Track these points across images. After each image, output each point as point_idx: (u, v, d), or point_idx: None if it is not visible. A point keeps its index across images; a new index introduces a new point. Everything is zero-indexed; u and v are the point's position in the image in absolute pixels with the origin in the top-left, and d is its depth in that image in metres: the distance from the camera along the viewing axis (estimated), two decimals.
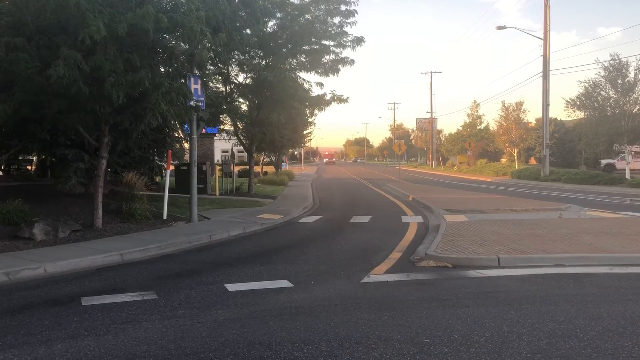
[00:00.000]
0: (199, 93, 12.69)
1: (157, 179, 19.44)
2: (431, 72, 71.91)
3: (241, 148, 26.91)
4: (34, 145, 15.17)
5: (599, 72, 32.36)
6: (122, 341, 4.79)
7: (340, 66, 20.21)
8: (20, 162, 21.39)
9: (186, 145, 20.63)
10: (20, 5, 9.57)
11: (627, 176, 29.78)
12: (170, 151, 15.65)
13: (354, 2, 19.17)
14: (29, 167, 22.92)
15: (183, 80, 11.67)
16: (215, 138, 28.74)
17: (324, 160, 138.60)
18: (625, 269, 7.72)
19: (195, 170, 13.78)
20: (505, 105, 49.65)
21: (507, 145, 50.66)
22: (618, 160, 39.05)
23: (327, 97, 21.39)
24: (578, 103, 33.89)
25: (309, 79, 28.72)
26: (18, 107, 9.93)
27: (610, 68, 31.54)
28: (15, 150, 15.11)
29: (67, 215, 12.04)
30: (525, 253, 8.52)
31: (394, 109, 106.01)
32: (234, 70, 20.82)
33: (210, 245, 10.63)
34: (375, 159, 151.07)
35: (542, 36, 34.93)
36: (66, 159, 13.77)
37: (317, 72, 20.56)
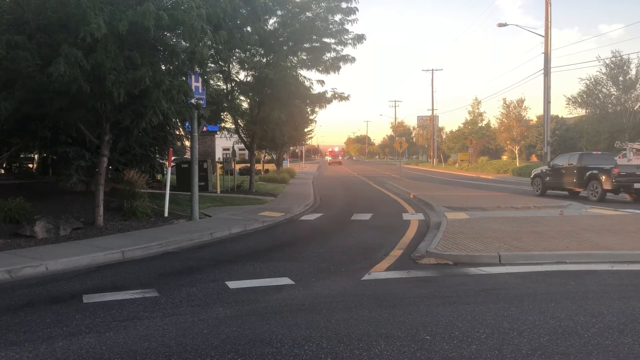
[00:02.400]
0: (200, 91, 12.69)
1: (159, 176, 19.45)
2: (432, 70, 71.97)
3: (242, 146, 26.90)
4: (35, 143, 15.19)
5: (601, 70, 32.26)
6: (124, 338, 4.80)
7: (341, 64, 20.20)
8: (21, 160, 21.43)
9: (187, 143, 20.64)
10: (21, 3, 9.58)
11: None
12: (171, 149, 15.66)
13: (354, 0, 19.16)
14: (31, 165, 22.97)
15: (184, 78, 11.66)
16: (216, 136, 28.72)
17: (327, 159, 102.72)
18: (627, 266, 7.71)
19: (196, 168, 13.79)
20: (507, 103, 49.71)
21: (508, 142, 50.67)
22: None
23: (328, 95, 21.42)
24: (579, 100, 33.85)
25: (310, 76, 28.86)
26: (19, 105, 9.93)
27: (612, 65, 31.47)
28: (16, 148, 15.13)
29: (68, 213, 12.05)
30: (526, 250, 8.52)
31: (395, 106, 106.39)
32: (234, 68, 20.84)
33: (211, 243, 10.64)
34: (377, 157, 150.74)
35: (543, 33, 34.87)
36: (67, 156, 13.78)
37: (318, 70, 20.56)
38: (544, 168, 23.00)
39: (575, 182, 20.50)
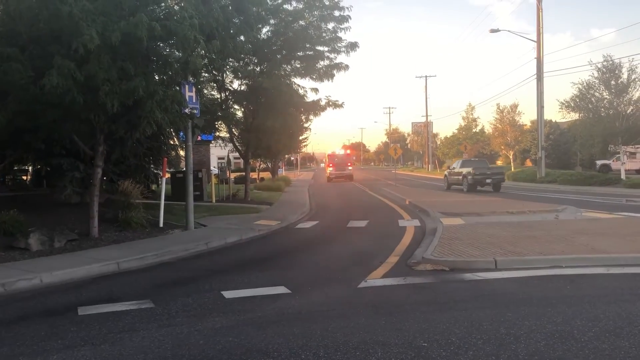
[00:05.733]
0: (194, 100, 12.69)
1: (153, 187, 19.38)
2: (426, 76, 72.21)
3: (237, 154, 26.90)
4: (29, 155, 15.14)
5: (593, 74, 32.35)
6: (119, 350, 4.77)
7: (334, 71, 20.23)
8: (15, 172, 21.32)
9: (182, 153, 20.61)
10: (13, 15, 9.56)
11: (623, 177, 29.84)
12: (165, 159, 15.62)
13: (347, 8, 19.24)
14: (24, 177, 22.88)
15: (177, 88, 11.66)
16: (211, 145, 28.69)
17: (325, 167, 62.40)
18: (622, 270, 7.73)
19: (191, 177, 13.75)
20: (500, 108, 49.87)
21: (502, 147, 50.81)
22: (613, 161, 39.12)
23: (322, 103, 21.45)
24: (572, 104, 33.89)
25: (304, 84, 28.48)
26: (12, 117, 9.91)
27: (604, 69, 31.56)
28: (10, 160, 15.06)
29: (63, 225, 11.99)
30: (522, 255, 8.53)
31: (390, 113, 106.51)
32: (228, 77, 20.83)
33: (207, 253, 10.60)
34: (372, 163, 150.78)
35: (535, 39, 35.11)
36: (61, 168, 13.73)
37: (311, 78, 20.58)
38: (448, 170, 32.93)
39: (458, 179, 29.60)
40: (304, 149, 72.99)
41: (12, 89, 9.63)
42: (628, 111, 31.26)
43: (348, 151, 55.80)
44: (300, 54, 19.99)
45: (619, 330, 4.94)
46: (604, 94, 32.23)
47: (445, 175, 32.79)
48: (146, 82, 10.04)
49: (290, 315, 5.77)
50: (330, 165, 48.58)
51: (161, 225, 13.24)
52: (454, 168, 31.48)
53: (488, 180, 27.87)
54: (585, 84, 32.75)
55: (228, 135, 24.10)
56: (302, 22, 19.31)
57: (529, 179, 36.70)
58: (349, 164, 49.03)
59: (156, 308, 6.24)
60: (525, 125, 53.19)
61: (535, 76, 35.12)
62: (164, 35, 9.78)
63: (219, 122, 21.91)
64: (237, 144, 24.03)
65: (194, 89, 12.71)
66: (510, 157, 49.84)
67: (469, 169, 28.40)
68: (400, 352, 4.52)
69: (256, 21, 16.25)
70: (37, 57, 9.67)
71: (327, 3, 19.27)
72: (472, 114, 64.50)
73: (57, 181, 14.04)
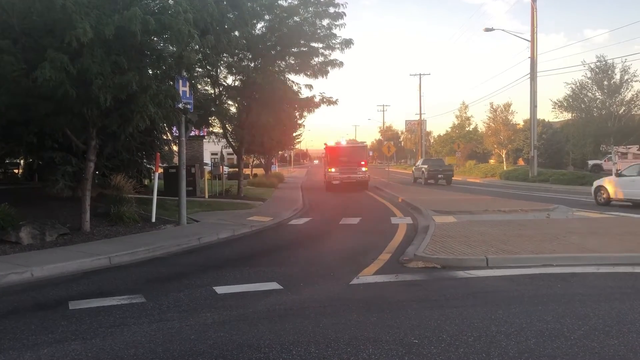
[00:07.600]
0: (188, 95, 12.63)
1: (146, 181, 19.33)
2: (420, 74, 71.97)
3: (231, 150, 26.83)
4: (20, 149, 15.05)
5: (586, 74, 32.54)
6: (110, 345, 4.76)
7: (329, 68, 20.27)
8: (6, 166, 21.20)
9: (175, 148, 20.54)
10: (6, 7, 9.48)
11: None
12: (158, 154, 15.57)
13: (342, 5, 19.25)
14: (16, 171, 22.75)
15: (171, 83, 11.62)
16: (204, 140, 28.60)
17: (322, 165, 41.20)
18: (612, 269, 7.79)
19: (184, 172, 13.71)
20: (494, 107, 50.08)
21: (495, 146, 51.04)
22: (605, 161, 39.40)
23: (317, 99, 21.48)
24: (565, 104, 34.11)
25: (298, 81, 28.75)
26: (4, 110, 9.84)
27: (597, 70, 31.76)
28: (1, 154, 14.98)
29: (54, 219, 11.91)
30: (514, 253, 8.57)
31: (384, 110, 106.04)
32: (222, 72, 20.77)
33: (199, 248, 10.59)
34: None
35: (529, 38, 35.22)
36: (53, 162, 13.66)
37: (306, 74, 20.59)
38: (415, 167, 41.26)
39: (420, 174, 36.67)
40: (297, 146, 72.92)
41: (4, 82, 9.55)
42: (620, 111, 31.50)
43: (365, 142, 35.24)
44: (294, 50, 19.98)
45: (609, 328, 4.98)
46: (597, 94, 32.46)
47: (413, 171, 41.29)
48: (140, 76, 9.99)
49: (282, 311, 5.77)
50: (332, 164, 30.40)
51: (153, 220, 13.19)
52: (418, 165, 39.88)
53: (440, 175, 34.89)
54: (578, 84, 32.99)
55: (222, 130, 24.04)
56: (296, 18, 19.30)
57: (521, 177, 36.88)
58: (363, 165, 30.50)
59: (147, 303, 6.23)
60: (518, 124, 53.50)
61: (529, 75, 35.25)
62: (158, 29, 9.73)
63: (213, 118, 21.85)
64: (230, 140, 23.97)
65: (187, 84, 12.65)
66: (503, 156, 50.02)
67: (426, 166, 36.06)
68: (391, 348, 4.53)
69: (251, 16, 16.20)
70: (29, 50, 9.60)
71: None
72: (465, 113, 64.78)
73: (49, 175, 13.97)
